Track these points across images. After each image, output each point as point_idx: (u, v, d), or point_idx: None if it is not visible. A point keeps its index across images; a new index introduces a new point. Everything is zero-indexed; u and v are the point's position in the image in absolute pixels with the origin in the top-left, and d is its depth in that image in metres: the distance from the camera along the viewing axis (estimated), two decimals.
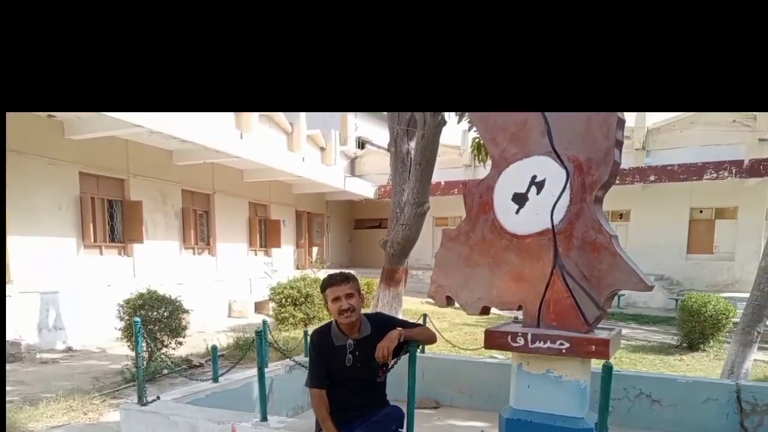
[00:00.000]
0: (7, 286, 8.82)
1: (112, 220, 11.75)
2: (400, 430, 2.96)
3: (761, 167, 15.13)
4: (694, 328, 9.27)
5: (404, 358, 2.99)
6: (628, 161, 16.45)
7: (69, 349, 9.18)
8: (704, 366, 8.28)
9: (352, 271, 3.26)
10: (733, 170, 15.38)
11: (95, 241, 11.19)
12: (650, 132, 18.42)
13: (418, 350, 3.12)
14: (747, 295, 6.70)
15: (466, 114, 6.95)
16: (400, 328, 2.97)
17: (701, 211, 18.15)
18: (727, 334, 9.05)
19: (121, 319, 7.40)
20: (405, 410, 2.98)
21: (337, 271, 3.13)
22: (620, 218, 18.66)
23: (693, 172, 15.92)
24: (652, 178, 16.46)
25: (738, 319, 6.97)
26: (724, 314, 9.04)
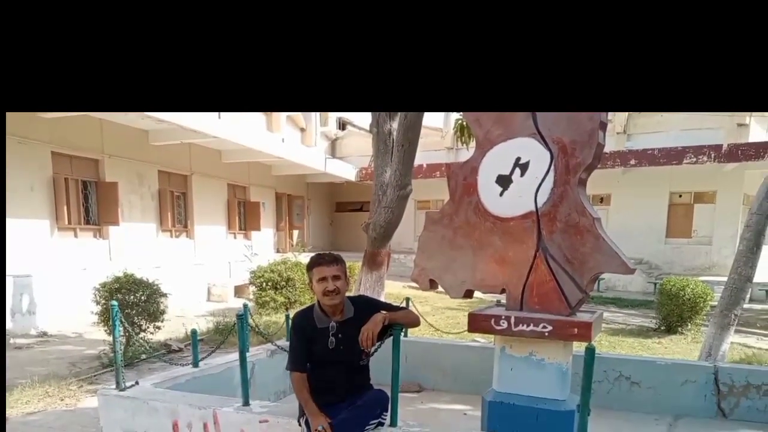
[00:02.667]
0: None
1: (87, 201, 11.51)
2: (384, 413, 2.94)
3: (739, 152, 15.33)
4: (673, 312, 9.41)
5: (387, 342, 2.95)
6: (609, 145, 16.56)
7: (44, 334, 9.02)
8: (682, 348, 8.42)
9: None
10: (712, 155, 15.56)
11: (69, 223, 10.96)
12: (631, 116, 18.56)
13: (402, 334, 3.09)
14: (724, 278, 6.80)
15: None
16: (384, 312, 2.92)
17: (680, 196, 18.39)
18: (705, 317, 9.20)
19: (97, 303, 7.26)
20: (389, 394, 2.95)
21: (326, 251, 3.05)
22: (600, 202, 18.84)
23: (673, 156, 16.08)
24: (632, 162, 16.60)
25: (715, 303, 7.07)
26: (702, 298, 9.18)
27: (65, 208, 10.76)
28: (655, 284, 13.85)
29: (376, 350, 3.01)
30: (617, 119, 18.14)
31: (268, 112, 17.17)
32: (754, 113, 16.67)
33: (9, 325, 8.78)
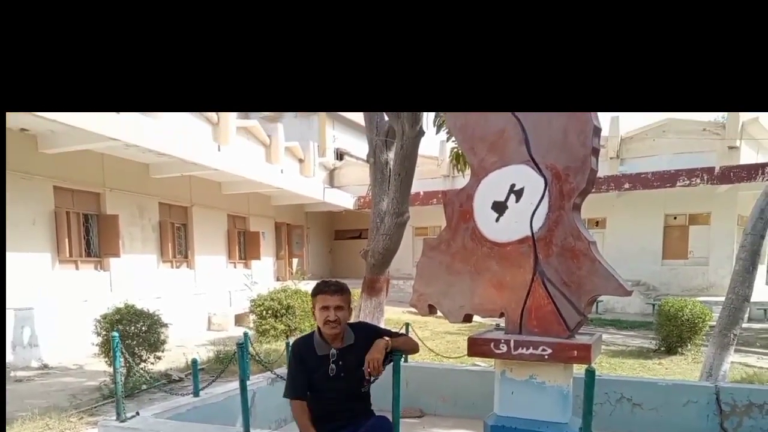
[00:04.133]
0: None
1: (88, 234, 11.55)
2: None
3: (731, 174, 15.49)
4: (672, 332, 9.42)
5: (388, 368, 2.98)
6: (602, 170, 16.70)
7: (44, 366, 8.97)
8: (683, 369, 8.41)
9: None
10: (705, 177, 15.70)
11: (71, 255, 10.99)
12: (624, 141, 18.78)
13: (402, 360, 3.12)
14: (722, 298, 6.84)
15: (445, 124, 7.01)
16: (387, 338, 2.95)
17: (675, 218, 18.47)
18: (704, 337, 9.21)
19: (98, 334, 7.26)
20: (390, 420, 2.97)
21: (333, 279, 3.09)
22: (596, 225, 18.90)
23: (666, 179, 16.22)
24: (626, 186, 16.73)
25: (714, 323, 7.10)
26: (701, 318, 9.20)
27: (66, 240, 10.79)
28: (654, 305, 13.84)
29: (377, 377, 3.04)
30: (610, 144, 18.34)
31: (267, 145, 17.32)
32: (744, 137, 16.91)
33: (10, 358, 8.74)
